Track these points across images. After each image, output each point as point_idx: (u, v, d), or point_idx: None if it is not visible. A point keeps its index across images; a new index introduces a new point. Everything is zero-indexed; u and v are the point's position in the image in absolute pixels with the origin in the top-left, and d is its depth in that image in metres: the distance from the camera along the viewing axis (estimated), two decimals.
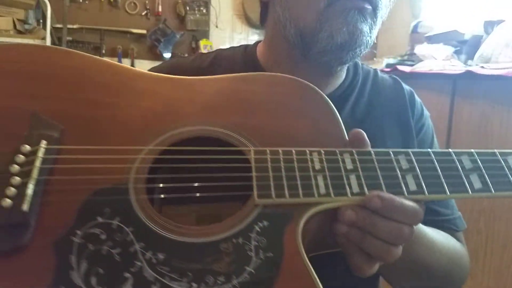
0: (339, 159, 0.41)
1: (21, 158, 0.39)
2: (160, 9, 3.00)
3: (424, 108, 0.64)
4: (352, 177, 0.40)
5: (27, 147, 0.39)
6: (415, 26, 2.05)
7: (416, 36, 2.01)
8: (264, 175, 0.39)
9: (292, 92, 0.47)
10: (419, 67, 1.66)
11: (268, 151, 0.41)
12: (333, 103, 0.53)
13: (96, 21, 2.89)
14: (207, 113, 0.44)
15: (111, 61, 0.48)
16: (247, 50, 0.60)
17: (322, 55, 0.51)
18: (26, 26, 2.49)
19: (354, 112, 0.57)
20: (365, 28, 0.49)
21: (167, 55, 3.01)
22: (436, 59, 1.66)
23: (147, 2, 2.99)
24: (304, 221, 0.38)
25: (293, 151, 0.41)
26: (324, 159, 0.41)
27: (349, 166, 0.40)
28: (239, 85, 0.47)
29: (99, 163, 0.39)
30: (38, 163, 0.38)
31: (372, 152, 0.42)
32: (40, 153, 0.39)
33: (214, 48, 3.02)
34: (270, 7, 0.57)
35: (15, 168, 0.38)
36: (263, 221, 0.38)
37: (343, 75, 0.59)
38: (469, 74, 1.31)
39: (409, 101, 0.62)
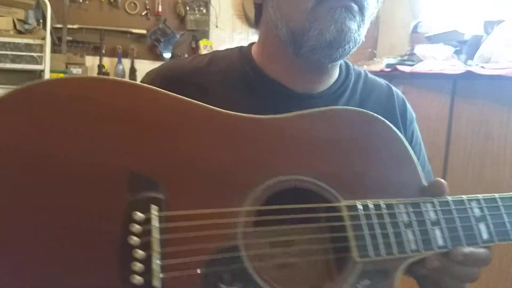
0: (423, 211, 0.46)
1: (136, 228, 0.38)
2: (160, 9, 3.00)
3: (412, 111, 0.67)
4: (436, 231, 0.45)
5: (140, 215, 0.38)
6: (415, 26, 2.05)
7: (416, 36, 2.01)
8: (360, 234, 0.43)
9: (370, 132, 0.49)
10: (419, 67, 1.66)
11: (359, 207, 0.44)
12: (326, 101, 0.56)
13: (96, 21, 2.89)
14: (291, 160, 0.45)
15: (196, 102, 0.45)
16: (242, 50, 0.61)
17: (313, 53, 0.52)
18: (26, 26, 2.49)
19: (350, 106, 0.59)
20: (353, 25, 0.50)
21: (167, 55, 3.01)
22: (436, 59, 1.66)
23: (147, 2, 2.99)
24: (399, 275, 0.44)
25: (382, 205, 0.45)
26: (410, 212, 0.45)
27: (433, 217, 0.46)
28: (315, 125, 0.47)
29: (206, 229, 0.40)
30: (156, 234, 0.38)
31: (450, 201, 0.47)
32: (155, 222, 0.38)
33: (214, 48, 3.03)
34: (263, 8, 0.58)
35: (134, 240, 0.38)
36: (365, 279, 0.43)
37: (335, 74, 0.61)
38: (469, 74, 1.31)
39: (401, 105, 0.64)
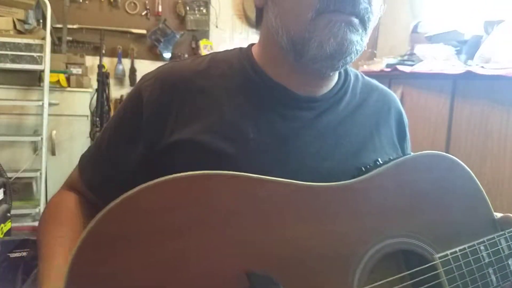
0: (499, 248, 0.49)
1: None
2: (160, 9, 3.00)
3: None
4: (510, 262, 0.48)
5: None
6: (415, 26, 2.05)
7: (416, 36, 2.01)
8: (455, 285, 0.46)
9: (449, 175, 0.50)
10: (419, 67, 1.66)
11: (450, 259, 0.47)
12: (329, 103, 0.57)
13: (96, 21, 2.89)
14: (384, 221, 0.46)
15: (291, 181, 0.44)
16: (242, 51, 0.61)
17: (313, 62, 0.52)
18: (26, 26, 2.49)
19: (347, 109, 0.60)
20: (355, 37, 0.49)
21: (167, 55, 3.01)
22: (436, 59, 1.66)
23: (147, 2, 2.99)
24: None
25: (468, 252, 0.47)
26: (490, 251, 0.48)
27: (507, 251, 0.49)
28: (398, 180, 0.48)
29: None
30: None
31: None
32: None
33: (214, 48, 3.03)
34: (264, 12, 0.58)
35: None
36: None
37: (336, 77, 0.61)
38: (469, 74, 1.31)
39: (397, 107, 0.66)
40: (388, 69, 1.81)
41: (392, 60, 1.86)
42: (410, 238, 0.46)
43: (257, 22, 0.60)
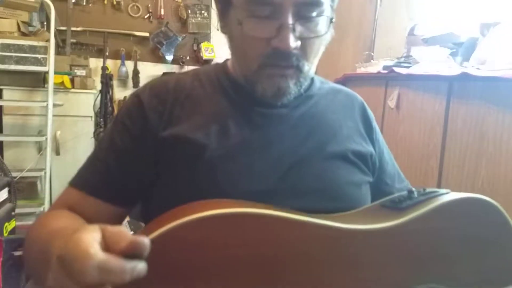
0: None
1: None
2: (162, 13, 3.03)
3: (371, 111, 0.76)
4: None
5: None
6: (412, 29, 2.07)
7: (412, 39, 2.03)
8: None
9: (486, 223, 0.48)
10: (416, 69, 1.68)
11: None
12: (298, 101, 0.63)
13: (100, 23, 2.93)
14: (419, 269, 0.45)
15: (329, 224, 0.43)
16: (218, 65, 0.70)
17: (264, 97, 0.60)
18: (30, 28, 2.52)
19: (316, 107, 0.67)
20: (291, 82, 0.58)
21: (169, 57, 3.04)
22: (433, 61, 1.68)
23: (149, 5, 3.02)
24: None
25: None
26: None
27: None
28: (434, 225, 0.46)
29: None
30: None
31: None
32: None
33: (216, 51, 3.06)
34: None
35: None
36: None
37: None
38: (464, 76, 1.32)
39: (360, 106, 0.73)
40: (385, 71, 1.83)
41: (388, 62, 1.88)
42: (440, 284, 0.45)
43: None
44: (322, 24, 0.57)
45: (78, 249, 0.35)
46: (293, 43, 0.54)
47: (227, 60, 0.70)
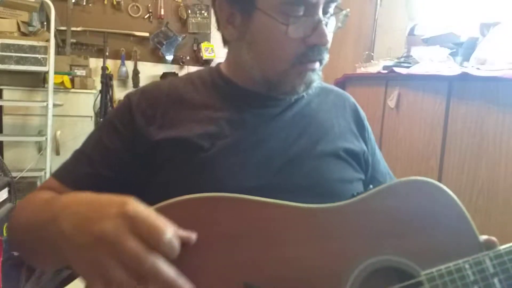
0: (484, 267, 0.50)
1: None
2: (162, 13, 3.04)
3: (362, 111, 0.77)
4: (496, 282, 0.50)
5: None
6: (412, 29, 2.07)
7: (412, 39, 2.03)
8: None
9: (432, 200, 0.54)
10: (416, 69, 1.68)
11: (436, 275, 0.50)
12: (290, 101, 0.65)
13: (100, 23, 2.93)
14: (372, 242, 0.50)
15: (290, 204, 0.49)
16: (211, 68, 0.70)
17: (282, 94, 0.63)
18: (30, 28, 2.53)
19: (309, 106, 0.68)
20: (317, 77, 0.61)
21: (169, 57, 3.04)
22: (432, 61, 1.68)
23: (149, 5, 3.03)
24: None
25: (453, 270, 0.50)
26: (475, 270, 0.50)
27: (492, 270, 0.50)
28: (388, 202, 0.52)
29: None
30: None
31: (503, 252, 0.51)
32: None
33: (216, 51, 3.06)
34: (233, 43, 0.66)
35: None
36: None
37: None
38: (464, 76, 1.32)
39: (352, 105, 0.74)
40: (385, 71, 1.83)
41: (389, 62, 1.89)
42: (398, 256, 0.50)
43: (224, 42, 0.69)
44: (340, 18, 0.60)
45: (157, 221, 0.40)
46: (330, 38, 0.58)
47: (219, 64, 0.71)
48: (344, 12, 0.60)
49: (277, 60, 0.59)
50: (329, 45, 0.59)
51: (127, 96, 0.65)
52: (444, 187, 0.54)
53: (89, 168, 0.61)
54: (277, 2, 0.56)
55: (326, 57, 0.60)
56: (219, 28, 0.66)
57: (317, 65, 0.60)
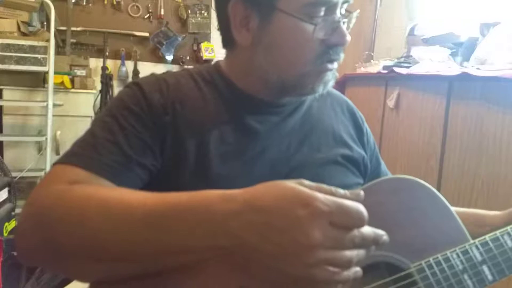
0: (472, 256, 0.51)
1: None
2: (162, 13, 3.04)
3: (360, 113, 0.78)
4: (485, 268, 0.51)
5: None
6: (412, 29, 2.07)
7: (412, 39, 2.03)
8: None
9: (413, 195, 0.55)
10: (416, 69, 1.68)
11: (425, 267, 0.50)
12: (292, 107, 0.65)
13: (100, 23, 2.93)
14: None
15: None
16: (210, 66, 0.68)
17: (298, 95, 0.63)
18: (30, 28, 2.53)
19: (310, 111, 0.68)
20: (333, 77, 0.62)
21: (169, 57, 3.05)
22: (432, 61, 1.68)
23: (149, 5, 3.03)
24: None
25: (441, 260, 0.51)
26: (463, 259, 0.51)
27: (479, 258, 0.52)
28: (371, 199, 0.50)
29: None
30: None
31: (488, 240, 0.53)
32: None
33: (216, 50, 3.06)
34: (246, 46, 0.61)
35: None
36: None
37: None
38: (464, 76, 1.31)
39: (350, 109, 0.74)
40: (385, 71, 1.83)
41: (388, 62, 1.88)
42: (386, 251, 0.51)
43: (224, 43, 0.66)
44: (353, 19, 0.61)
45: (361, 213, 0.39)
46: (349, 38, 0.58)
47: (218, 61, 0.69)
48: (354, 13, 0.60)
49: (299, 61, 0.58)
50: (347, 44, 0.60)
51: (136, 84, 0.60)
52: (426, 183, 0.55)
53: (120, 154, 0.54)
54: (301, 3, 0.55)
55: (342, 56, 0.61)
56: (228, 32, 0.63)
57: (335, 65, 0.60)
